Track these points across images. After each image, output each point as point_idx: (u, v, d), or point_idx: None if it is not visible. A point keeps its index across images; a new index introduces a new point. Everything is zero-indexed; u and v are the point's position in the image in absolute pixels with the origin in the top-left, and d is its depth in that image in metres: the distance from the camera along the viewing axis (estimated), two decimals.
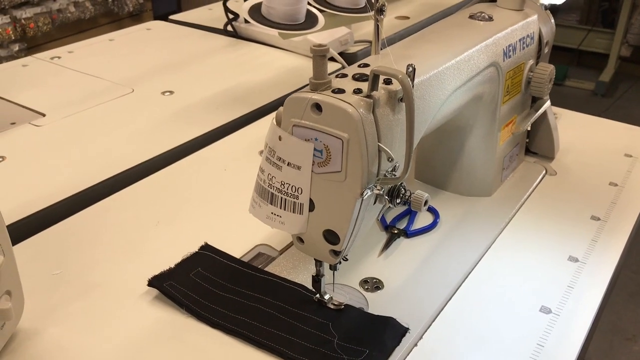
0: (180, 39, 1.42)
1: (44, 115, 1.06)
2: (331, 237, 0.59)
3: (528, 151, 0.96)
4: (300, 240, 0.62)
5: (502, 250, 0.76)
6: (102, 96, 1.12)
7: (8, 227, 0.59)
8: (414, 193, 0.58)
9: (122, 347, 0.61)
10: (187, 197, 0.85)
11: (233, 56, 1.32)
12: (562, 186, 0.90)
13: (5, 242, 0.57)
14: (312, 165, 0.55)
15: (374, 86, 0.54)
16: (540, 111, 0.89)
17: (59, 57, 1.30)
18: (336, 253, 0.60)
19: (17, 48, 2.89)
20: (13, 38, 2.87)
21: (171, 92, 1.14)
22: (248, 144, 0.99)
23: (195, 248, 0.73)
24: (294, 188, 0.57)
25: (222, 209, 0.83)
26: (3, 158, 0.92)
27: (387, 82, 0.57)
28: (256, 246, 0.76)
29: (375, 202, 0.59)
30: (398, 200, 0.59)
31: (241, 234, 0.78)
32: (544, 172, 0.92)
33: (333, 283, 0.66)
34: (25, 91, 1.14)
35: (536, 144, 0.96)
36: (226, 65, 1.28)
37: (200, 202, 0.84)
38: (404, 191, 0.59)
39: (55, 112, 1.06)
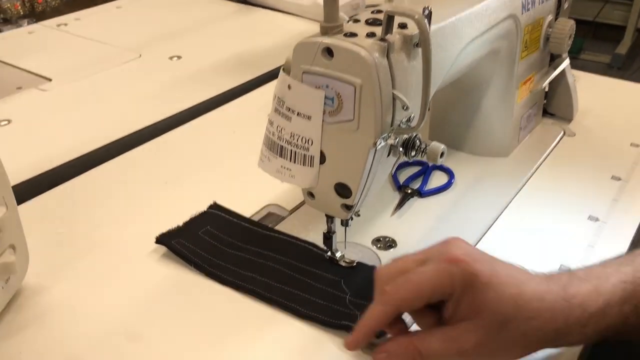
0: (189, 5, 1.39)
1: (50, 80, 1.04)
2: (343, 190, 0.57)
3: (546, 113, 0.93)
4: (311, 195, 0.60)
5: (519, 211, 0.73)
6: (109, 61, 1.10)
7: (13, 187, 0.57)
8: (429, 145, 0.56)
9: (130, 303, 0.60)
10: (195, 159, 0.84)
11: (242, 21, 1.29)
12: (581, 147, 0.87)
13: (7, 194, 0.55)
14: (323, 114, 0.53)
15: (388, 29, 0.51)
16: (560, 69, 0.86)
17: (65, 24, 1.28)
18: (348, 207, 0.58)
19: (25, 24, 2.87)
20: (22, 13, 2.85)
21: (179, 57, 1.12)
22: (257, 107, 0.96)
23: (203, 207, 0.72)
24: (304, 139, 0.55)
25: (231, 170, 0.81)
26: (9, 121, 0.91)
27: (402, 26, 0.54)
28: (266, 206, 0.74)
29: (389, 155, 0.57)
30: (413, 153, 0.57)
31: (250, 194, 0.76)
32: (562, 133, 0.89)
33: (345, 241, 0.64)
34: (31, 57, 1.13)
35: (554, 105, 0.93)
36: (235, 30, 1.25)
37: (209, 164, 0.83)
38: (419, 143, 0.56)
39: (62, 77, 1.04)
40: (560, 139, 0.88)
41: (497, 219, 0.72)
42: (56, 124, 0.91)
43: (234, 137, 0.89)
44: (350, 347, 0.51)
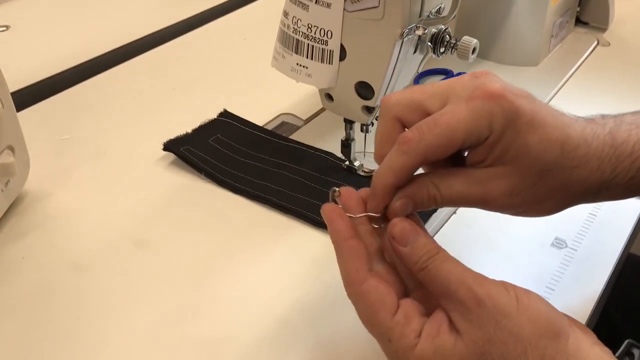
0: None
1: None
2: (364, 91, 0.53)
3: (579, 21, 0.87)
4: (329, 97, 0.56)
5: None
6: None
7: (13, 94, 0.53)
8: (460, 40, 0.51)
9: (136, 211, 0.57)
10: (205, 66, 0.79)
11: None
12: (615, 58, 0.81)
13: (4, 93, 0.51)
14: (345, 1, 0.48)
15: None
16: None
17: None
18: (369, 110, 0.54)
19: None
20: None
21: None
22: (268, 14, 0.90)
23: (213, 116, 0.68)
24: (322, 31, 0.50)
25: (243, 78, 0.76)
26: (7, 27, 0.86)
27: None
28: (279, 115, 0.70)
29: (415, 51, 0.52)
30: (442, 49, 0.52)
31: (263, 102, 0.72)
32: (596, 42, 0.83)
33: (364, 149, 0.61)
34: None
35: (588, 13, 0.86)
36: None
37: (219, 71, 0.78)
38: (448, 38, 0.51)
39: None
40: (594, 48, 0.82)
41: None
42: (57, 29, 0.86)
43: (245, 43, 0.84)
44: (371, 209, 0.40)
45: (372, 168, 0.60)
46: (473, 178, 0.37)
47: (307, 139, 0.66)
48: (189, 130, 0.65)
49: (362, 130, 0.58)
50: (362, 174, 0.60)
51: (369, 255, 0.37)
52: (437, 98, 0.37)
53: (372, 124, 0.57)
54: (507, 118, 0.35)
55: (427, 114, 0.37)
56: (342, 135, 0.59)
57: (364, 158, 0.61)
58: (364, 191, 0.40)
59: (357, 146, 0.60)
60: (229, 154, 0.63)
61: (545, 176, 0.37)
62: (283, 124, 0.70)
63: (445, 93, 0.37)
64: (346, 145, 0.59)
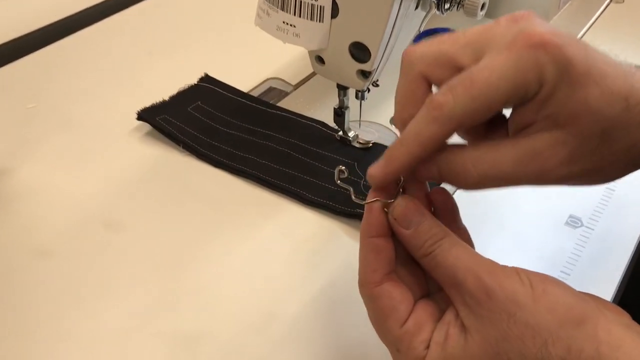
0: None
1: None
2: (359, 52, 0.47)
3: None
4: (320, 59, 0.50)
5: None
6: None
7: None
8: None
9: (108, 188, 0.51)
10: (184, 26, 0.73)
11: None
12: (630, 15, 0.75)
13: None
14: None
15: None
16: None
17: None
18: (365, 75, 0.48)
19: None
20: None
21: None
22: None
23: (193, 81, 0.62)
24: None
25: (226, 40, 0.70)
26: None
27: None
28: (266, 80, 0.64)
29: (417, 7, 0.46)
30: (447, 5, 0.46)
31: (248, 66, 0.66)
32: None
33: (359, 118, 0.55)
34: None
35: None
36: None
37: (200, 32, 0.71)
38: None
39: None
40: (607, 6, 0.77)
41: None
42: None
43: (229, 2, 0.77)
44: (380, 181, 0.33)
45: (368, 139, 0.55)
46: (525, 150, 0.30)
47: (297, 106, 0.60)
48: (166, 98, 0.59)
49: (357, 97, 0.52)
50: (357, 145, 0.55)
51: (395, 255, 0.33)
52: (471, 49, 0.30)
53: (368, 90, 0.51)
54: (559, 68, 0.29)
55: (458, 68, 0.30)
56: (334, 102, 0.53)
57: (359, 128, 0.56)
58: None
59: (351, 114, 0.54)
60: (210, 124, 0.57)
61: (609, 137, 0.30)
62: (270, 90, 0.64)
63: (480, 42, 0.30)
64: (339, 113, 0.54)
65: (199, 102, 0.59)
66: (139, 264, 0.45)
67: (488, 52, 0.30)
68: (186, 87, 0.61)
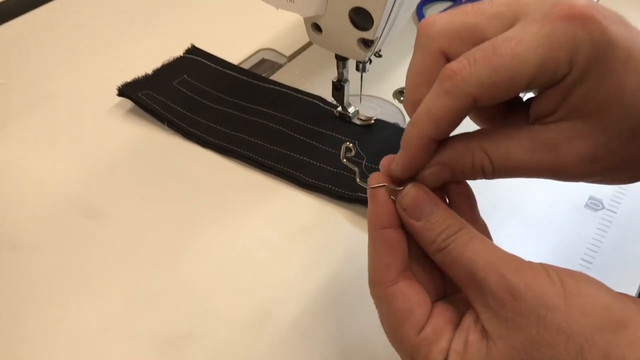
0: None
1: None
2: (360, 19, 0.42)
3: None
4: (317, 27, 0.45)
5: None
6: None
7: None
8: None
9: (87, 171, 0.47)
10: None
11: None
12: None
13: None
14: None
15: None
16: None
17: None
18: (367, 44, 0.44)
19: None
20: None
21: None
22: None
23: (179, 52, 0.57)
24: None
25: (214, 8, 0.65)
26: None
27: None
28: (258, 51, 0.60)
29: None
30: None
31: (239, 36, 0.61)
32: None
33: (360, 93, 0.50)
34: None
35: None
36: None
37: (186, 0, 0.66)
38: None
39: None
40: None
41: None
42: None
43: None
44: (400, 173, 0.29)
45: (369, 115, 0.50)
46: (540, 140, 0.27)
47: (291, 79, 0.56)
48: (150, 71, 0.54)
49: (357, 69, 0.47)
50: (358, 122, 0.50)
51: (409, 249, 0.29)
52: (499, 21, 0.27)
53: (370, 61, 0.47)
54: (596, 50, 0.25)
55: None
56: (333, 75, 0.49)
57: (360, 103, 0.51)
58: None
59: (351, 88, 0.50)
60: (197, 100, 0.53)
61: None
62: (262, 61, 0.59)
63: (512, 13, 0.27)
64: (338, 87, 0.49)
65: (185, 76, 0.55)
66: (121, 257, 0.41)
67: (521, 21, 0.26)
68: (171, 59, 0.56)
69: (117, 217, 0.44)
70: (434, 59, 0.28)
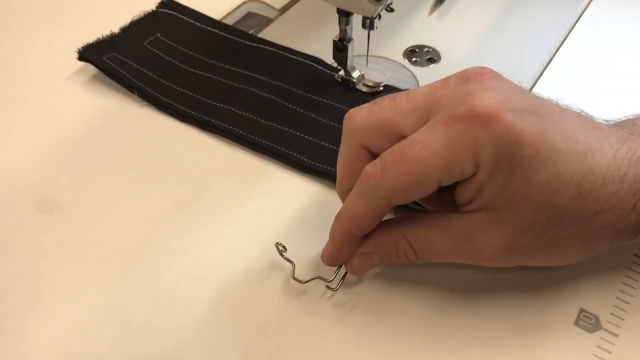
0: None
1: None
2: None
3: None
4: None
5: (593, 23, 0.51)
6: None
7: None
8: None
9: (40, 153, 0.39)
10: None
11: None
12: None
13: None
14: None
15: None
16: None
17: None
18: None
19: None
20: None
21: None
22: None
23: (151, 6, 0.48)
24: None
25: None
26: None
27: None
28: (244, 3, 0.51)
29: None
30: None
31: None
32: None
33: (367, 53, 0.42)
34: None
35: None
36: None
37: None
38: None
39: None
40: None
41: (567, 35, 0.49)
42: None
43: None
44: (327, 262, 0.32)
45: (377, 80, 0.43)
46: (456, 230, 0.29)
47: (283, 37, 0.48)
48: (116, 30, 0.46)
49: (364, 26, 0.40)
50: (364, 88, 0.43)
51: None
52: (415, 115, 0.28)
53: (379, 16, 0.39)
54: (500, 149, 0.26)
55: (402, 137, 0.29)
56: (333, 32, 0.41)
57: (367, 66, 0.43)
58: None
59: (356, 48, 0.42)
60: (173, 63, 0.45)
61: (557, 226, 0.28)
62: (249, 15, 0.51)
63: (425, 108, 0.28)
64: (340, 47, 0.41)
65: (158, 35, 0.46)
66: (83, 259, 0.34)
67: (431, 120, 0.28)
68: (141, 14, 0.48)
69: (78, 209, 0.36)
70: (356, 152, 0.30)
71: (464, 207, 0.29)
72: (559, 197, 0.27)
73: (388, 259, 0.30)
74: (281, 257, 0.32)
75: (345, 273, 0.32)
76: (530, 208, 0.27)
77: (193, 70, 0.44)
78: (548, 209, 0.27)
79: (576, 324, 0.31)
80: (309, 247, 0.34)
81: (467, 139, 0.26)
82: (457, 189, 0.29)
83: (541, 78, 0.44)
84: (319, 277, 0.32)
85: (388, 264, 0.31)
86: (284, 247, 0.33)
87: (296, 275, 0.32)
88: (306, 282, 0.32)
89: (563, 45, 0.47)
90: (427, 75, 0.45)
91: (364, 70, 0.43)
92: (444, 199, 0.30)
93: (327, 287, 0.32)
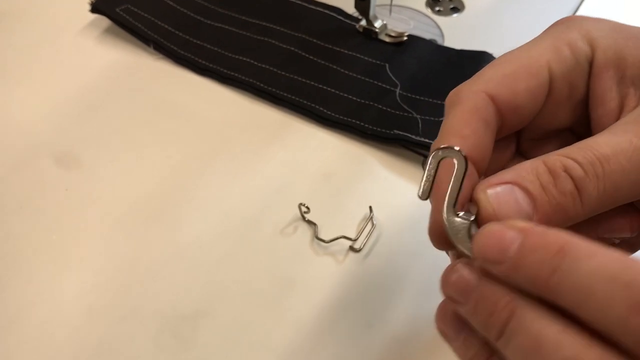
0: None
1: None
2: None
3: None
4: None
5: None
6: None
7: None
8: None
9: (56, 108, 0.38)
10: None
11: None
12: None
13: None
14: None
15: None
16: None
17: None
18: None
19: None
20: None
21: None
22: None
23: None
24: None
25: None
26: None
27: None
28: None
29: None
30: None
31: None
32: None
33: (391, 3, 0.41)
34: None
35: None
36: None
37: None
38: None
39: None
40: None
41: None
42: None
43: None
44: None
45: (400, 30, 0.41)
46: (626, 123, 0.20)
47: None
48: None
49: None
50: (387, 39, 0.41)
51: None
52: None
53: None
54: None
55: None
56: None
57: (390, 15, 0.42)
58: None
59: None
60: (189, 15, 0.43)
61: None
62: None
63: None
64: None
65: None
66: (103, 215, 0.33)
67: None
68: None
69: (96, 164, 0.35)
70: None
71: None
72: None
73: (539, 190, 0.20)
74: (303, 220, 0.32)
75: (370, 232, 0.31)
76: None
77: (209, 22, 0.43)
78: None
79: None
80: (333, 203, 0.33)
81: None
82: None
83: None
84: (343, 237, 0.31)
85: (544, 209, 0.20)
86: (307, 207, 0.32)
87: (320, 235, 0.32)
88: (330, 241, 0.31)
89: None
90: (451, 24, 0.43)
91: (386, 19, 0.41)
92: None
93: (351, 247, 0.31)
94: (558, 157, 0.19)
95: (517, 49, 0.23)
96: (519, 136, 0.24)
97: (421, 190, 0.20)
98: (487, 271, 0.18)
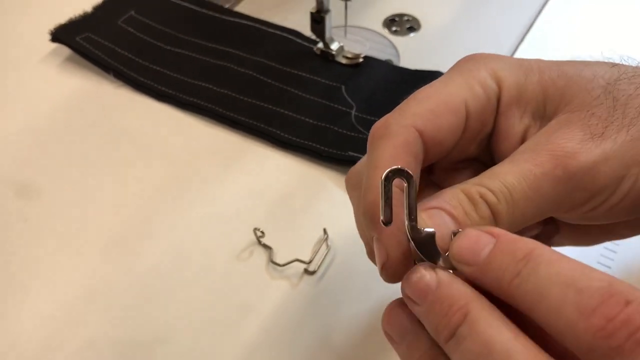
0: None
1: None
2: None
3: None
4: None
5: None
6: None
7: None
8: None
9: (15, 138, 0.39)
10: None
11: None
12: None
13: None
14: None
15: None
16: None
17: None
18: None
19: None
20: None
21: None
22: None
23: None
24: None
25: None
26: None
27: None
28: None
29: None
30: None
31: None
32: None
33: (345, 24, 0.42)
34: None
35: None
36: None
37: None
38: None
39: None
40: None
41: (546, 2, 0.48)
42: None
43: None
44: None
45: (357, 52, 0.42)
46: (537, 144, 0.22)
47: (259, 10, 0.47)
48: (88, 9, 0.45)
49: None
50: (343, 60, 0.42)
51: None
52: None
53: None
54: None
55: None
56: (310, 4, 0.40)
57: (345, 37, 0.43)
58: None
59: (334, 19, 0.41)
60: (148, 41, 0.44)
61: None
62: None
63: None
64: (318, 19, 0.41)
65: (133, 12, 0.45)
66: (61, 244, 0.34)
67: None
68: None
69: (55, 194, 0.36)
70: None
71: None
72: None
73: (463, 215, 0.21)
74: (259, 244, 0.33)
75: (325, 254, 0.32)
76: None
77: (169, 47, 0.43)
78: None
79: None
80: (289, 226, 0.34)
81: None
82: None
83: (521, 44, 0.44)
84: (297, 260, 0.32)
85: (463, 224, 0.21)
86: (262, 232, 0.33)
87: (275, 259, 0.32)
88: (284, 265, 0.32)
89: (542, 13, 0.46)
90: (407, 44, 0.44)
91: (343, 41, 0.42)
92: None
93: (305, 270, 0.32)
94: (474, 186, 0.21)
95: (434, 83, 0.24)
96: (432, 166, 0.26)
97: (383, 215, 0.20)
98: (454, 277, 0.19)
